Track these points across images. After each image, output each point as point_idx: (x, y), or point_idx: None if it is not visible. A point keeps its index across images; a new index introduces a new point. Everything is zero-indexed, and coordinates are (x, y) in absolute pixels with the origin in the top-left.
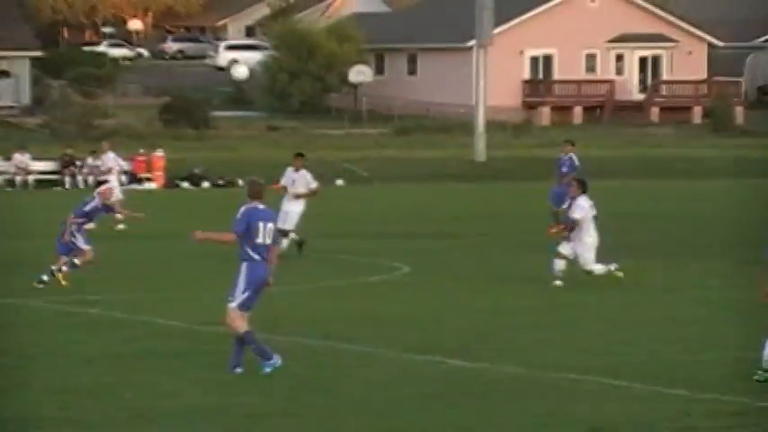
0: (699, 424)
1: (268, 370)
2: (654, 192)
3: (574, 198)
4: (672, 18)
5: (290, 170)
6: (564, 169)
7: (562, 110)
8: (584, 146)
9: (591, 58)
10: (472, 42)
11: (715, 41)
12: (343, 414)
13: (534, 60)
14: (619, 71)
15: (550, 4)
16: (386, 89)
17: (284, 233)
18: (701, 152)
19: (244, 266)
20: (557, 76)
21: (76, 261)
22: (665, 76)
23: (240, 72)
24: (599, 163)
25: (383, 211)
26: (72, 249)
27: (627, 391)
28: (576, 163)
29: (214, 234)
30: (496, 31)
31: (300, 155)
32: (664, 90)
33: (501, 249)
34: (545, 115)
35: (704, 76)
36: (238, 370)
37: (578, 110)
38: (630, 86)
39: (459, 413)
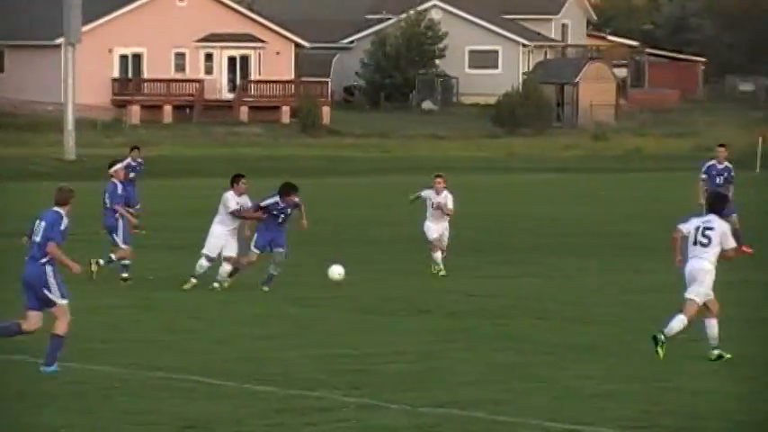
0: (288, 420)
1: None
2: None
3: None
4: (259, 18)
5: None
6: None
7: (152, 108)
8: (175, 145)
9: (180, 57)
10: (61, 39)
11: (302, 42)
12: None
13: (124, 59)
14: (208, 70)
15: (139, 2)
16: None
17: None
18: (289, 151)
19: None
20: (146, 74)
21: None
22: (253, 76)
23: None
24: (190, 162)
25: None
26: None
27: (218, 389)
28: None
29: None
30: (85, 29)
31: None
32: (252, 90)
33: (91, 249)
34: (135, 113)
35: (292, 76)
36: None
37: (168, 108)
38: (220, 86)
39: (49, 412)
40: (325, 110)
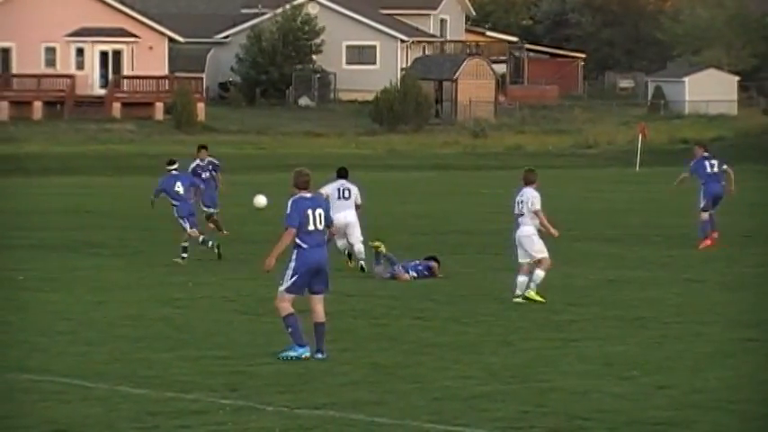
0: (162, 423)
1: (298, 351)
2: (115, 188)
3: None
4: (132, 13)
5: None
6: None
7: (22, 105)
8: (45, 141)
9: (50, 52)
10: None
11: (176, 37)
12: None
13: None
14: (79, 65)
15: None
16: None
17: None
18: (163, 148)
19: (294, 253)
20: (15, 69)
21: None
22: (126, 72)
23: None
24: (61, 159)
25: None
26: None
27: (91, 392)
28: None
29: (277, 248)
30: None
31: None
32: (125, 85)
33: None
34: (4, 110)
35: (166, 71)
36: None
37: (39, 105)
38: (92, 81)
39: None
40: (200, 106)
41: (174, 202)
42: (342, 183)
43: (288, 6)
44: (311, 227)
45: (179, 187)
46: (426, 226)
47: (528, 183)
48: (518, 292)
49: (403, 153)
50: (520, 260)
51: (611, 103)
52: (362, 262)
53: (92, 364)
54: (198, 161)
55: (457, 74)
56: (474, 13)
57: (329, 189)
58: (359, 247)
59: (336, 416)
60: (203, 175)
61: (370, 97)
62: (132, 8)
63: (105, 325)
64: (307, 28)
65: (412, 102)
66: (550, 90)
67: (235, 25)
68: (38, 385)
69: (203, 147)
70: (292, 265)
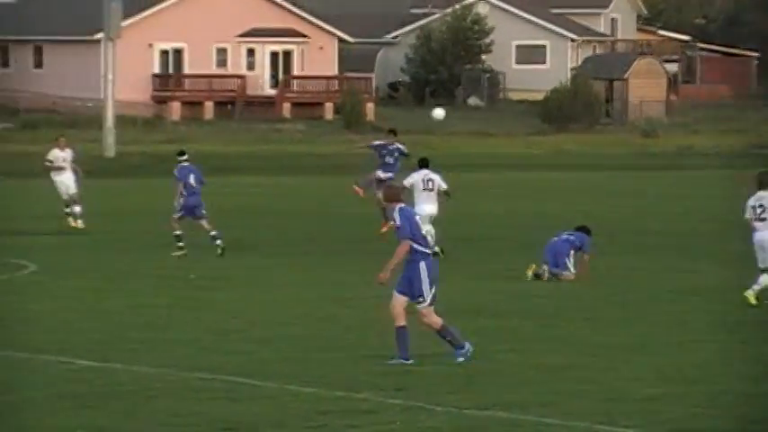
0: (331, 422)
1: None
2: (285, 188)
3: None
4: (302, 13)
5: None
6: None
7: (193, 105)
8: (216, 142)
9: (222, 53)
10: (100, 35)
11: (346, 37)
12: None
13: (164, 54)
14: (250, 66)
15: None
16: (11, 82)
17: None
18: (332, 148)
19: (422, 265)
20: (187, 70)
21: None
22: (296, 72)
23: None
24: (231, 159)
25: (8, 207)
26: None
27: (261, 390)
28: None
29: (393, 261)
30: (125, 23)
31: None
32: (295, 85)
33: (130, 247)
34: (175, 110)
35: (335, 71)
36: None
37: (209, 105)
38: (262, 81)
39: (91, 414)
40: (369, 106)
41: (184, 192)
42: (425, 173)
43: (458, 6)
44: (423, 233)
45: (192, 179)
46: (596, 226)
47: (763, 186)
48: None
49: (573, 153)
50: (761, 265)
51: None
52: (437, 248)
53: (261, 362)
54: (383, 141)
55: (628, 73)
56: (645, 12)
57: (414, 179)
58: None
59: (504, 416)
60: (387, 159)
61: (540, 97)
62: (302, 8)
63: (275, 324)
64: (477, 28)
65: (582, 101)
66: (723, 89)
67: (404, 25)
68: (208, 383)
69: (392, 130)
70: (426, 277)
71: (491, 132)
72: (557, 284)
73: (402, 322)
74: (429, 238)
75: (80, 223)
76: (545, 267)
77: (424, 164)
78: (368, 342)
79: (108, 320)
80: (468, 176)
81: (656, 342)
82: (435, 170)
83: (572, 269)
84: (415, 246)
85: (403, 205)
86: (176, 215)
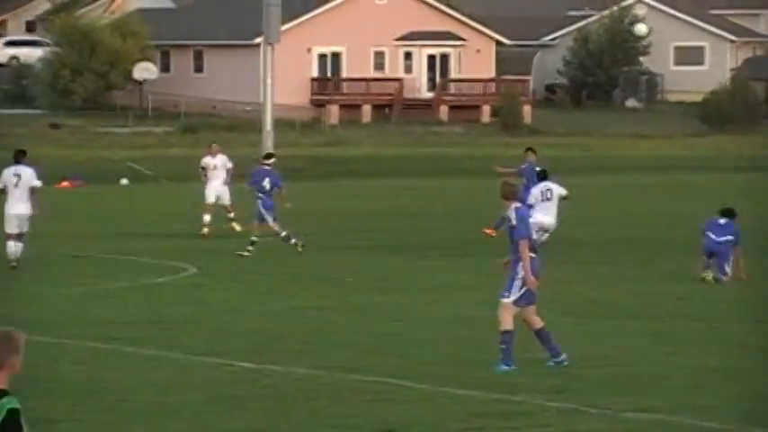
0: (489, 424)
1: (503, 368)
2: (443, 191)
3: None
4: (460, 16)
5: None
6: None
7: (351, 108)
8: (374, 144)
9: (379, 56)
10: (259, 39)
11: (503, 39)
12: (130, 418)
13: (322, 58)
14: (407, 69)
15: (338, 1)
16: (172, 86)
17: None
18: (490, 151)
19: (521, 264)
20: (345, 73)
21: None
22: (453, 75)
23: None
24: (389, 161)
25: (168, 210)
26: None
27: (418, 392)
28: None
29: (525, 265)
30: (284, 28)
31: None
32: (452, 88)
33: (290, 249)
34: (334, 113)
35: (492, 74)
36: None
37: (367, 108)
38: (419, 84)
39: (250, 416)
40: (527, 108)
41: (260, 195)
42: (545, 184)
43: (615, 8)
44: (534, 236)
45: (266, 183)
46: (753, 228)
47: None
48: None
49: (733, 155)
50: None
51: None
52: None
53: (417, 364)
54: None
55: None
56: None
57: (535, 192)
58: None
59: (664, 419)
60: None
61: (699, 98)
62: (460, 11)
63: (433, 326)
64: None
65: (741, 102)
66: None
67: (561, 27)
68: (365, 385)
69: (530, 149)
70: (521, 275)
71: (649, 134)
72: (722, 287)
73: (509, 326)
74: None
75: (237, 227)
76: (709, 272)
77: (543, 176)
78: (525, 345)
79: (267, 322)
80: (627, 179)
81: None
82: (554, 179)
83: (729, 271)
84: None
85: (519, 205)
86: (267, 217)
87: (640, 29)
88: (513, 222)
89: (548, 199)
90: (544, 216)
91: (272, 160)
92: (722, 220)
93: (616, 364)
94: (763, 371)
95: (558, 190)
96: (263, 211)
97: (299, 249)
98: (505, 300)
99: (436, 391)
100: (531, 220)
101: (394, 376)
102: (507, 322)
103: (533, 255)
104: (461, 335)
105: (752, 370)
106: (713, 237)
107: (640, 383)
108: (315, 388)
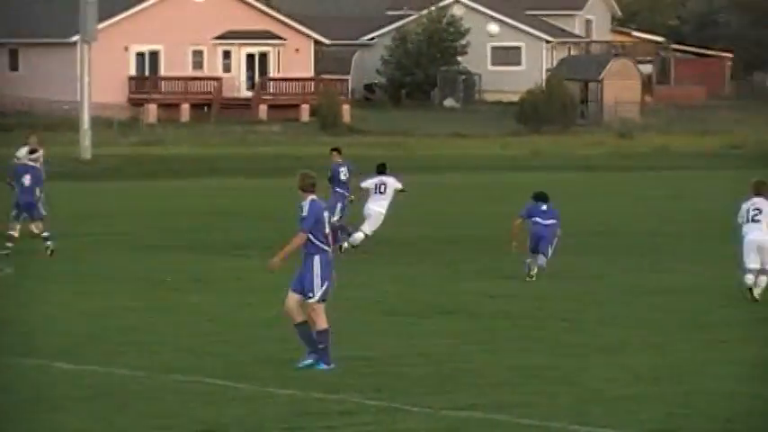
0: (308, 424)
1: (323, 367)
2: (263, 190)
3: None
4: (278, 15)
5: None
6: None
7: (169, 107)
8: (193, 144)
9: (198, 55)
10: (76, 38)
11: (322, 39)
12: None
13: (140, 56)
14: (226, 68)
15: None
16: None
17: None
18: (309, 150)
19: (316, 259)
20: (163, 72)
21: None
22: (272, 74)
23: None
24: (207, 161)
25: None
26: None
27: (237, 392)
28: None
29: (288, 248)
30: (101, 26)
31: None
32: (271, 87)
33: (107, 249)
34: (152, 112)
35: (311, 73)
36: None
37: (186, 107)
38: (238, 83)
39: (66, 418)
40: (345, 108)
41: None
42: (380, 178)
43: (433, 8)
44: (327, 230)
45: (26, 180)
46: (571, 227)
47: (760, 193)
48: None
49: (548, 154)
50: (751, 266)
51: (759, 104)
52: (346, 244)
53: (236, 364)
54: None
55: (602, 74)
56: (619, 14)
57: (368, 184)
58: (360, 236)
59: (481, 417)
60: (341, 177)
61: (516, 98)
62: (278, 11)
63: (251, 326)
64: (452, 29)
65: (557, 103)
66: (697, 90)
67: (380, 27)
68: (185, 386)
69: (336, 149)
70: (319, 272)
71: (466, 134)
72: (532, 284)
73: (299, 318)
74: (360, 235)
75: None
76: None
77: (381, 170)
78: (344, 344)
79: (86, 322)
80: (444, 178)
81: (631, 342)
82: (393, 174)
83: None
84: (312, 239)
85: (315, 198)
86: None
87: (492, 29)
88: (304, 213)
89: (381, 192)
90: (374, 204)
91: (36, 155)
92: (544, 206)
93: (434, 362)
94: (574, 367)
95: (395, 183)
96: (18, 207)
97: (49, 252)
98: (312, 299)
99: (256, 391)
100: (364, 209)
101: (213, 376)
102: (321, 321)
103: (327, 248)
104: (278, 335)
105: (564, 367)
106: (541, 221)
107: (458, 382)
108: (134, 388)
